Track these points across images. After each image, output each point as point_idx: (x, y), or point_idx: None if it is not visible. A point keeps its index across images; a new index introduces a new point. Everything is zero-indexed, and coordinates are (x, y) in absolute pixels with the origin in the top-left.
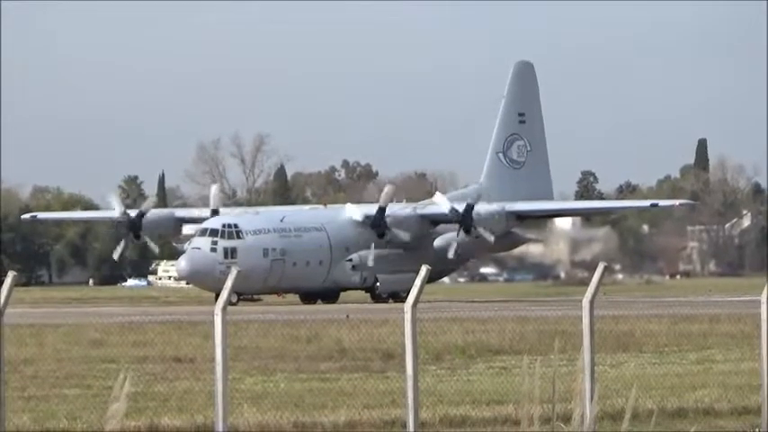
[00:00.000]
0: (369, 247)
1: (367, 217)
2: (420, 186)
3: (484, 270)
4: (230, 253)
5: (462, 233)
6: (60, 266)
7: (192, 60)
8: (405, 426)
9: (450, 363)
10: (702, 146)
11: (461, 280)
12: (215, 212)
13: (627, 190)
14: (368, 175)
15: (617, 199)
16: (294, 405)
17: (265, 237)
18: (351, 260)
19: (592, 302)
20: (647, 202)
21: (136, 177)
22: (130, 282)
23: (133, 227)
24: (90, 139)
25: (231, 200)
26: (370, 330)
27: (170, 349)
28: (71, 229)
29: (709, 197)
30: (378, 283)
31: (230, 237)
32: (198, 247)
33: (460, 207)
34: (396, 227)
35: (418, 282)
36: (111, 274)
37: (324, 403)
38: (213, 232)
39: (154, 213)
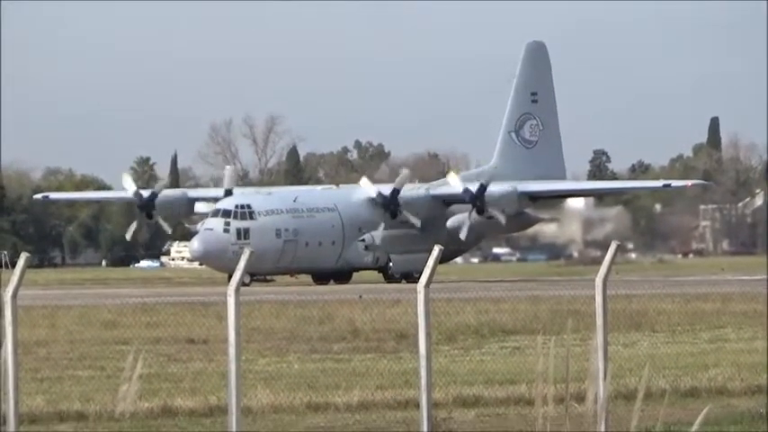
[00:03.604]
0: (382, 228)
1: (380, 195)
2: (432, 167)
3: (497, 250)
4: (243, 234)
5: (475, 214)
6: (73, 248)
7: (204, 42)
8: (418, 406)
9: (463, 343)
10: (715, 124)
11: (474, 260)
12: (229, 192)
13: (639, 169)
14: (380, 155)
15: (629, 178)
16: (307, 386)
17: (278, 217)
18: (363, 240)
19: (605, 282)
20: (659, 183)
21: (148, 159)
22: (143, 263)
23: (145, 207)
24: (102, 120)
25: (243, 180)
26: (382, 311)
27: (183, 330)
28: (84, 211)
29: (722, 176)
30: (390, 264)
31: (243, 217)
32: (211, 228)
33: (473, 187)
34: (408, 208)
35: (431, 262)
36: (125, 256)
37: (337, 384)
38: (226, 213)
39: (166, 194)
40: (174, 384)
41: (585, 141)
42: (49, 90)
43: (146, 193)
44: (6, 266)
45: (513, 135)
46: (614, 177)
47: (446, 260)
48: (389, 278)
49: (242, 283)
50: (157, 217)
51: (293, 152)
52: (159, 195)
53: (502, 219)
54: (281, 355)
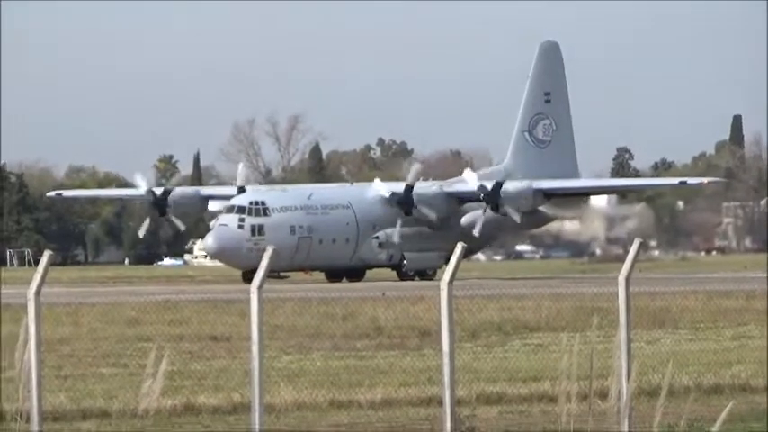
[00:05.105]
0: (395, 225)
1: (394, 194)
2: (455, 164)
3: (520, 248)
4: (257, 230)
5: (489, 211)
6: (96, 246)
7: (227, 40)
8: (441, 403)
9: (486, 340)
10: (737, 122)
11: (497, 257)
12: (242, 190)
13: (662, 167)
14: (403, 153)
15: (652, 176)
16: (330, 383)
17: (292, 214)
18: (377, 238)
19: (627, 279)
20: (675, 180)
21: (171, 156)
22: (166, 261)
23: (158, 205)
24: (125, 117)
25: (266, 178)
26: (405, 308)
27: (206, 328)
28: (106, 209)
29: (745, 174)
30: (404, 261)
31: (257, 214)
32: (225, 224)
33: (489, 185)
34: (423, 205)
35: (454, 259)
36: (147, 254)
37: (360, 381)
38: (240, 209)
39: (179, 191)
40: (197, 381)
41: (609, 139)
42: (72, 88)
43: (159, 191)
44: (29, 264)
45: (527, 135)
46: (637, 175)
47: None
48: (403, 276)
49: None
50: (170, 214)
51: (316, 150)
52: (172, 193)
53: (517, 216)
54: (305, 352)
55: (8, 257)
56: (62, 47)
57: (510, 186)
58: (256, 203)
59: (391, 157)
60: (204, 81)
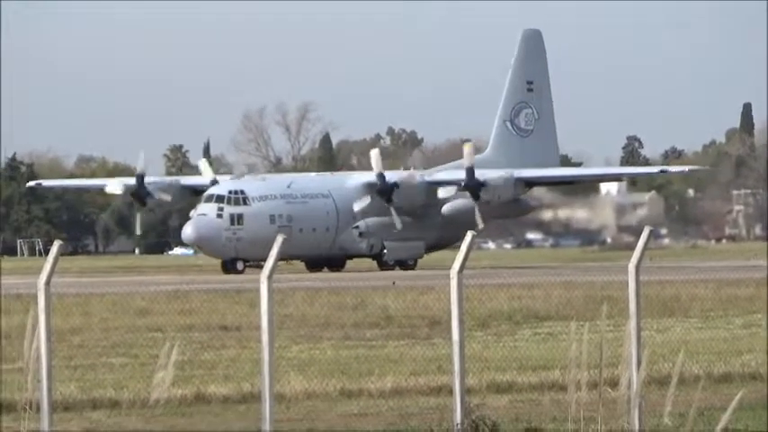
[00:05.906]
0: (376, 214)
1: (369, 185)
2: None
3: (530, 236)
4: (236, 219)
5: (471, 199)
6: (106, 235)
7: (238, 29)
8: (451, 392)
9: (496, 329)
10: (747, 110)
11: (507, 246)
12: (214, 182)
13: (672, 155)
14: (413, 142)
15: (662, 164)
16: (341, 372)
17: (272, 203)
18: (357, 227)
19: (637, 267)
20: (655, 169)
21: (181, 146)
22: (176, 250)
23: (138, 194)
24: (136, 108)
25: (277, 167)
26: (415, 297)
27: (216, 317)
28: (117, 198)
29: (755, 161)
30: (385, 251)
31: (236, 203)
32: (204, 214)
33: (470, 174)
34: (403, 194)
35: (464, 248)
36: (157, 243)
37: (370, 370)
38: (219, 198)
39: (160, 180)
40: (207, 371)
41: (621, 128)
42: (81, 80)
43: (131, 181)
44: (40, 254)
45: (509, 124)
46: (647, 163)
47: (442, 247)
48: (383, 265)
49: (235, 270)
50: (151, 204)
51: (326, 139)
52: (152, 183)
53: (498, 202)
54: (315, 341)
55: (18, 247)
56: (70, 42)
57: (491, 175)
58: (235, 192)
59: (401, 146)
60: (212, 74)
